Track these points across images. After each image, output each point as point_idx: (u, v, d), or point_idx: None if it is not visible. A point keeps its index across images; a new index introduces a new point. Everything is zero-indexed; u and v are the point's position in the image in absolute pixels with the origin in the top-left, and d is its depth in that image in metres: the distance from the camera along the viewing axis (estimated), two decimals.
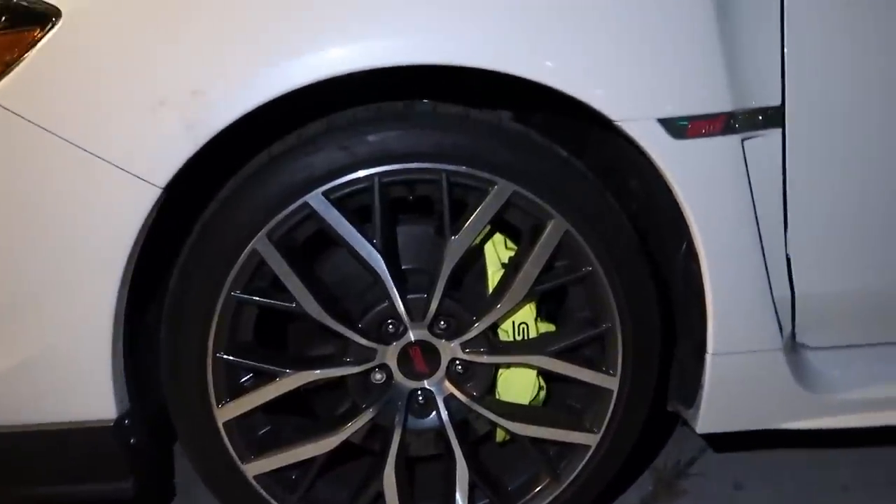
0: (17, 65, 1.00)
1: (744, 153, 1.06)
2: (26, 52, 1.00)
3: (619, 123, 1.02)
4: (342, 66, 0.97)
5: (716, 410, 1.16)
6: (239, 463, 1.11)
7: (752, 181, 1.08)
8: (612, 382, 1.13)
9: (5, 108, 1.00)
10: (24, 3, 1.02)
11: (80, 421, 1.07)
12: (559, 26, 0.98)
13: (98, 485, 1.10)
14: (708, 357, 1.13)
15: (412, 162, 1.04)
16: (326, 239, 1.10)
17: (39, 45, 1.00)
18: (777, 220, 1.12)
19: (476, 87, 1.07)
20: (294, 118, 1.08)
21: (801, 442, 1.34)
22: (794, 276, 1.15)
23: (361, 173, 1.03)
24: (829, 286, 1.17)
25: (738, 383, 1.15)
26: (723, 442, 1.41)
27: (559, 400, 1.22)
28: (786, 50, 1.05)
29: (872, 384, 1.20)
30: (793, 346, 1.20)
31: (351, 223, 1.05)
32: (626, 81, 1.01)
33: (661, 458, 1.46)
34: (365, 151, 1.03)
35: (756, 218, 1.09)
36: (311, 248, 1.14)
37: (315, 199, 1.03)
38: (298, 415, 1.21)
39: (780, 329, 1.15)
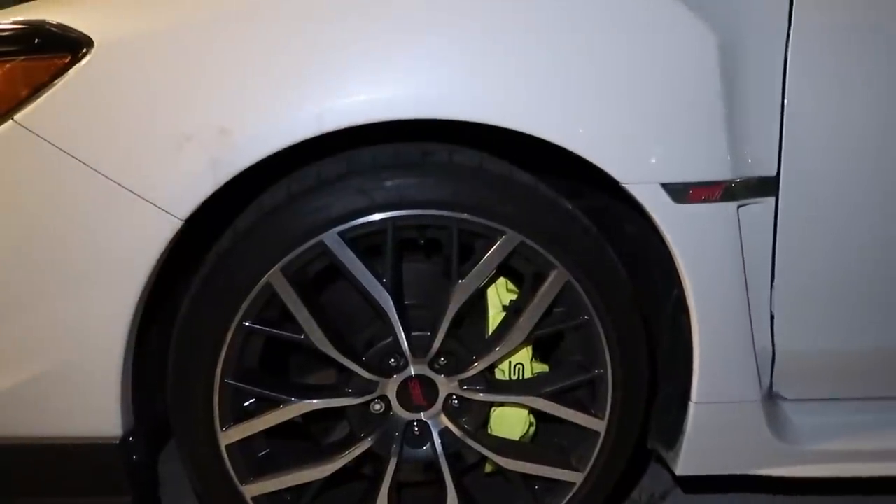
0: (47, 90, 1.03)
1: (738, 218, 1.12)
2: (56, 77, 1.03)
3: (625, 185, 1.08)
4: (375, 114, 1.01)
5: (695, 455, 1.23)
6: (239, 484, 1.15)
7: (744, 244, 1.14)
8: (599, 425, 1.19)
9: (32, 132, 1.03)
10: (57, 30, 1.04)
11: (87, 436, 1.10)
12: (582, 98, 1.04)
13: (99, 499, 1.13)
14: (691, 405, 1.19)
15: (427, 209, 1.08)
16: (333, 272, 1.14)
17: (70, 72, 1.03)
18: (764, 280, 1.19)
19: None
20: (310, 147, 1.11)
21: (769, 487, 1.41)
22: (775, 333, 1.22)
23: (377, 216, 1.07)
24: (808, 343, 1.24)
25: (717, 430, 1.22)
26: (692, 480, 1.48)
27: (547, 437, 1.28)
28: (784, 125, 1.12)
29: (842, 436, 1.27)
30: (769, 397, 1.27)
31: (363, 262, 1.09)
32: (636, 148, 1.06)
33: (637, 491, 1.53)
34: (382, 197, 1.07)
35: (745, 278, 1.15)
36: (318, 279, 1.18)
37: (330, 238, 1.07)
38: (295, 438, 1.25)
39: (760, 381, 1.22)
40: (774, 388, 1.27)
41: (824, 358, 1.25)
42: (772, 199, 1.14)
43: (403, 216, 1.08)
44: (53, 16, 1.05)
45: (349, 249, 1.08)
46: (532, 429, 1.27)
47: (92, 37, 1.02)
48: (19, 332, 1.06)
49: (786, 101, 1.11)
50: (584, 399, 1.21)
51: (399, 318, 1.12)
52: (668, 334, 1.23)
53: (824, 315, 1.22)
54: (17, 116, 1.03)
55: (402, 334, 1.13)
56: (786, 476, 1.26)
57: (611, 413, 1.18)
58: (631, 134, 1.06)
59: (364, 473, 1.26)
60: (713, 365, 1.17)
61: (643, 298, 1.22)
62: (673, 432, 1.23)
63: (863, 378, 1.28)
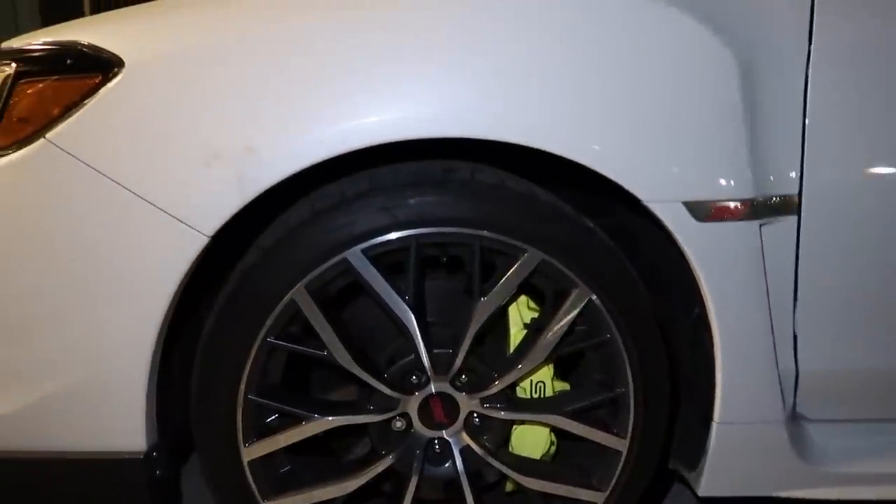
0: (79, 109, 1.05)
1: (761, 236, 1.12)
2: (88, 97, 1.05)
3: (646, 204, 1.08)
4: (400, 133, 1.03)
5: (718, 475, 1.21)
6: (260, 500, 1.15)
7: (766, 262, 1.14)
8: (621, 444, 1.19)
9: (63, 150, 1.05)
10: (89, 51, 1.06)
11: (112, 451, 1.11)
12: (604, 116, 1.06)
13: None
14: (714, 425, 1.18)
15: (449, 226, 1.09)
16: (355, 289, 1.14)
17: (101, 91, 1.05)
18: (787, 299, 1.18)
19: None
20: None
21: None
22: (799, 352, 1.21)
23: (400, 234, 1.08)
24: (832, 363, 1.23)
25: (740, 451, 1.21)
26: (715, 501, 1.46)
27: (568, 456, 1.27)
28: (806, 144, 1.12)
29: (867, 458, 1.25)
30: (793, 418, 1.26)
31: (386, 279, 1.10)
32: (657, 167, 1.07)
33: None
34: (405, 214, 1.08)
35: (768, 296, 1.15)
36: (341, 296, 1.18)
37: (354, 255, 1.08)
38: (316, 454, 1.25)
39: (783, 401, 1.21)
40: (798, 409, 1.26)
41: (849, 378, 1.24)
42: (794, 218, 1.14)
43: (426, 234, 1.09)
44: (85, 37, 1.07)
45: (372, 267, 1.09)
46: (553, 448, 1.26)
47: (122, 57, 1.05)
48: (47, 346, 1.08)
49: (807, 119, 1.11)
50: (606, 418, 1.21)
51: (421, 335, 1.13)
52: (690, 353, 1.23)
53: (848, 335, 1.21)
54: (48, 135, 1.05)
55: (424, 351, 1.13)
56: (810, 498, 1.24)
57: (632, 432, 1.18)
58: (652, 152, 1.07)
59: (384, 491, 1.26)
60: (736, 384, 1.17)
61: (664, 317, 1.22)
62: (695, 452, 1.23)
63: (889, 399, 1.26)
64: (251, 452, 1.14)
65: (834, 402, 1.26)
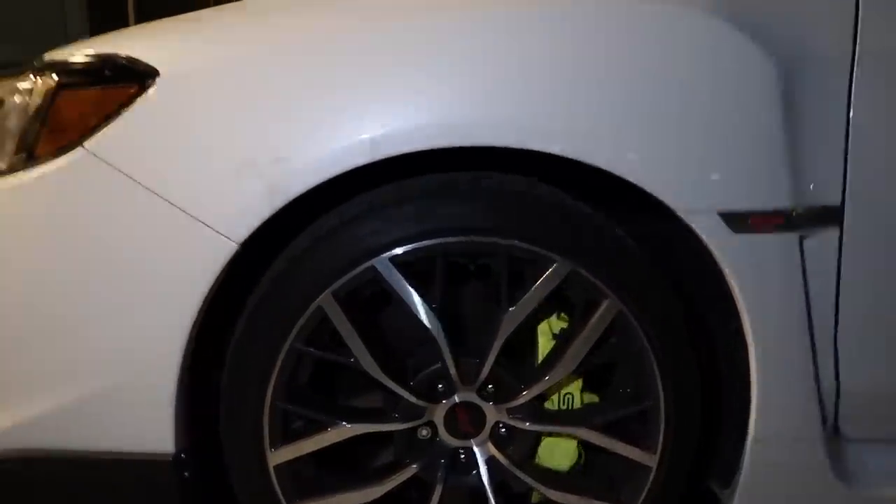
0: (115, 118, 1.07)
1: (801, 249, 1.09)
2: (124, 107, 1.07)
3: (681, 214, 1.06)
4: (429, 142, 1.03)
5: (752, 495, 1.18)
6: None
7: (806, 276, 1.10)
8: (650, 459, 1.16)
9: (99, 158, 1.07)
10: (126, 62, 1.09)
11: (142, 452, 1.13)
12: (638, 126, 1.04)
13: None
14: (749, 442, 1.15)
15: (476, 235, 1.08)
16: (383, 297, 1.14)
17: (137, 101, 1.07)
18: (828, 314, 1.14)
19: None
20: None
21: None
22: (840, 369, 1.17)
23: (427, 242, 1.08)
24: (876, 381, 1.18)
25: (776, 470, 1.17)
26: None
27: (596, 469, 1.25)
28: (849, 153, 1.08)
29: None
30: (833, 437, 1.21)
31: (413, 288, 1.10)
32: (692, 176, 1.04)
33: None
34: (432, 223, 1.07)
35: (808, 312, 1.11)
36: (369, 304, 1.19)
37: (381, 263, 1.08)
38: (340, 460, 1.26)
39: (823, 419, 1.16)
40: (838, 427, 1.21)
41: (893, 397, 1.19)
42: (836, 229, 1.10)
43: (453, 242, 1.08)
44: (124, 48, 1.10)
45: (399, 275, 1.09)
46: (581, 460, 1.24)
47: (158, 68, 1.07)
48: (79, 349, 1.10)
49: (850, 127, 1.07)
50: (636, 432, 1.18)
51: (448, 343, 1.12)
52: (724, 366, 1.19)
53: (893, 351, 1.16)
54: (86, 144, 1.07)
55: (451, 360, 1.13)
56: None
57: (662, 447, 1.15)
58: (687, 161, 1.04)
59: (409, 499, 1.26)
60: (773, 401, 1.13)
61: (701, 330, 1.19)
62: (728, 469, 1.19)
63: None
64: (277, 457, 1.14)
65: (877, 421, 1.21)
